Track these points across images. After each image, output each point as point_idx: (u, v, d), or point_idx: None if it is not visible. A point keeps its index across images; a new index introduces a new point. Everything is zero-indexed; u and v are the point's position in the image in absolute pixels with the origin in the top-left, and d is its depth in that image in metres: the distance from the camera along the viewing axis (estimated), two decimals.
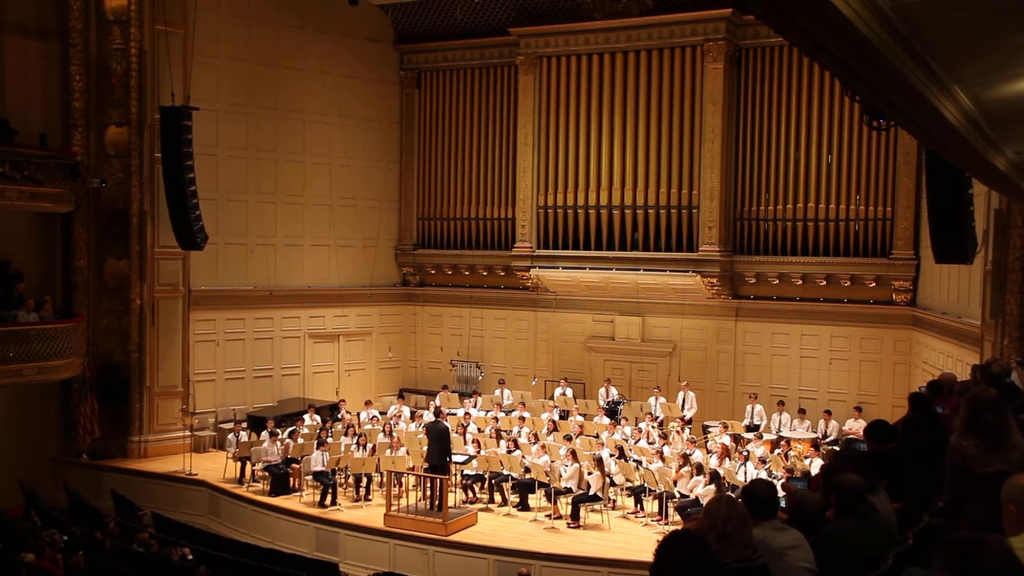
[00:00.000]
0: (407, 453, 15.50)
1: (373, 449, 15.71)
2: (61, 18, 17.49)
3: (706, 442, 16.44)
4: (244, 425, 17.33)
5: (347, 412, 18.34)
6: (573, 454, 14.52)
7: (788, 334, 18.89)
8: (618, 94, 19.61)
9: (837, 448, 13.86)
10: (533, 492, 14.84)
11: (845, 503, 4.40)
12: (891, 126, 9.02)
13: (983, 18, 3.73)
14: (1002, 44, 4.20)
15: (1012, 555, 2.65)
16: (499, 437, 16.28)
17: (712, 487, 13.08)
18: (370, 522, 14.23)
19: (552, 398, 19.21)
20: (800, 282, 18.63)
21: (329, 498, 15.01)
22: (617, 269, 19.47)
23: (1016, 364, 9.09)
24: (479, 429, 16.98)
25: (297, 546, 14.22)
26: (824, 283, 18.42)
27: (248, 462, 16.16)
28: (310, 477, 15.54)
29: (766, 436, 16.51)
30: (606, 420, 17.39)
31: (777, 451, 15.22)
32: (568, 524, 14.02)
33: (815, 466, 13.60)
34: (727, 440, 15.65)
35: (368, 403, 19.15)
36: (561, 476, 14.25)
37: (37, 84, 17.55)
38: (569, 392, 19.30)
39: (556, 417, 17.85)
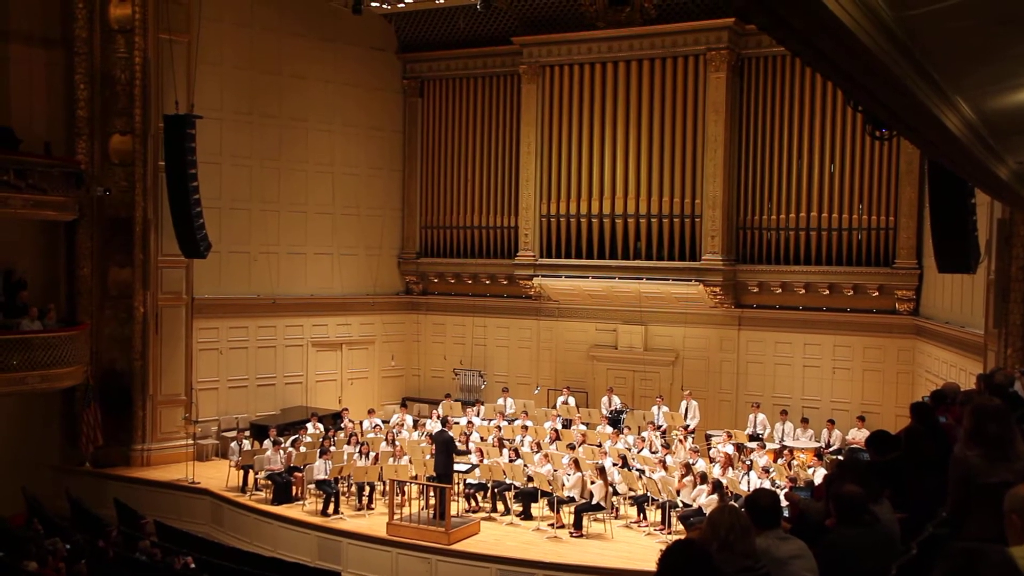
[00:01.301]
0: (410, 462, 15.48)
1: (376, 458, 15.70)
2: (66, 27, 17.55)
3: (709, 451, 16.41)
4: (247, 433, 17.36)
5: (350, 421, 18.33)
6: (576, 463, 14.50)
7: (791, 343, 18.87)
8: (620, 103, 19.64)
9: (840, 458, 13.82)
10: (536, 501, 14.82)
11: (845, 513, 4.40)
12: (893, 136, 9.03)
13: (984, 28, 3.74)
14: (1003, 54, 4.21)
15: (1013, 565, 2.64)
16: (502, 446, 16.26)
17: (715, 496, 13.06)
18: (373, 531, 14.21)
19: (555, 407, 19.18)
20: (803, 291, 18.62)
21: (332, 507, 15.00)
22: (620, 278, 19.47)
23: (1019, 374, 9.07)
24: (482, 438, 16.96)
25: (300, 555, 14.21)
26: (827, 292, 18.41)
27: (251, 470, 16.15)
28: (313, 486, 15.51)
29: (769, 445, 16.47)
30: (609, 429, 17.37)
31: (780, 460, 15.21)
32: (571, 533, 14.00)
33: (818, 476, 13.56)
34: (730, 449, 15.63)
35: (371, 412, 19.14)
36: (564, 485, 14.22)
37: (41, 93, 17.60)
38: (572, 401, 19.27)
39: (559, 426, 17.82)
